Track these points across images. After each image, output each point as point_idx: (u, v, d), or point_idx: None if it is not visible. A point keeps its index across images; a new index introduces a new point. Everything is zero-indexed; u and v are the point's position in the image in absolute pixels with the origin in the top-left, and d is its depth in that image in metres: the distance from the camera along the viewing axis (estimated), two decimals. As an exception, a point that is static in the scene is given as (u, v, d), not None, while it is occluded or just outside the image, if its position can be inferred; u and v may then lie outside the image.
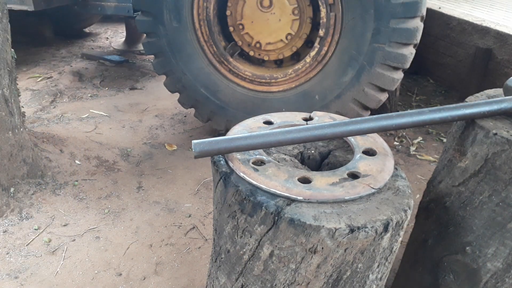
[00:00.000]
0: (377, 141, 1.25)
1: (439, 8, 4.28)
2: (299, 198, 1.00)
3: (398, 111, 3.95)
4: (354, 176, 1.08)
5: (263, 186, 1.02)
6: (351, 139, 1.25)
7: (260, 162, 1.11)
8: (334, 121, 1.14)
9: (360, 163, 1.13)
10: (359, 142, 1.23)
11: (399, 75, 2.60)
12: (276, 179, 1.04)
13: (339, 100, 2.71)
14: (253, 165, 1.09)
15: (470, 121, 1.25)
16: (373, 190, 1.03)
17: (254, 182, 1.04)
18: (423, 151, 3.23)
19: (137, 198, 2.56)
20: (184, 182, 2.75)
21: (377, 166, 1.12)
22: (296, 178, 1.05)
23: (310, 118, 1.37)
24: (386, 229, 0.96)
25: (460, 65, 4.04)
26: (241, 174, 1.07)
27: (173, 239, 2.25)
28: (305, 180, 1.05)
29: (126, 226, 2.32)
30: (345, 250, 0.95)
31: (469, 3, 4.65)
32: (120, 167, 2.85)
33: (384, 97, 2.67)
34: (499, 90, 1.43)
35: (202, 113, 3.09)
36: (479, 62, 3.72)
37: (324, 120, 1.34)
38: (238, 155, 1.12)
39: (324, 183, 1.04)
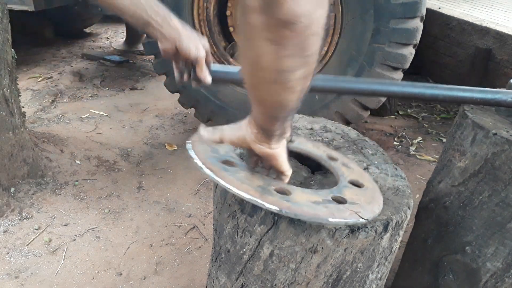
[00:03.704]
0: (364, 176, 1.13)
1: (439, 8, 4.28)
2: (273, 208, 0.82)
3: (397, 111, 3.96)
4: (339, 201, 0.94)
5: (233, 188, 0.85)
6: (336, 167, 1.13)
7: (231, 164, 0.95)
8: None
9: (346, 191, 0.99)
10: (344, 172, 1.10)
11: (399, 75, 2.60)
12: (250, 183, 0.88)
13: (339, 100, 2.71)
14: (223, 165, 0.93)
15: (470, 122, 1.25)
16: (361, 220, 0.88)
17: (222, 182, 0.86)
18: (423, 151, 3.23)
19: (137, 198, 2.56)
20: (184, 182, 2.75)
21: (365, 197, 0.99)
22: (273, 187, 0.90)
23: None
24: (386, 229, 0.96)
25: (460, 65, 4.04)
26: (207, 172, 0.88)
27: (173, 239, 2.25)
28: (282, 191, 0.90)
29: (127, 226, 2.32)
30: (345, 250, 0.95)
31: (469, 3, 4.65)
32: (121, 167, 2.85)
33: (384, 97, 2.68)
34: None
35: (202, 113, 3.09)
36: (479, 62, 3.72)
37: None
38: (210, 153, 0.96)
39: (305, 199, 0.90)
